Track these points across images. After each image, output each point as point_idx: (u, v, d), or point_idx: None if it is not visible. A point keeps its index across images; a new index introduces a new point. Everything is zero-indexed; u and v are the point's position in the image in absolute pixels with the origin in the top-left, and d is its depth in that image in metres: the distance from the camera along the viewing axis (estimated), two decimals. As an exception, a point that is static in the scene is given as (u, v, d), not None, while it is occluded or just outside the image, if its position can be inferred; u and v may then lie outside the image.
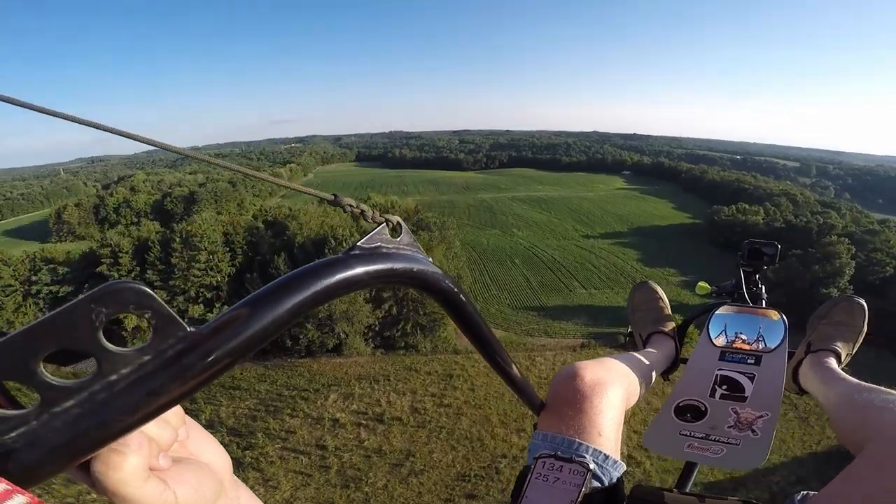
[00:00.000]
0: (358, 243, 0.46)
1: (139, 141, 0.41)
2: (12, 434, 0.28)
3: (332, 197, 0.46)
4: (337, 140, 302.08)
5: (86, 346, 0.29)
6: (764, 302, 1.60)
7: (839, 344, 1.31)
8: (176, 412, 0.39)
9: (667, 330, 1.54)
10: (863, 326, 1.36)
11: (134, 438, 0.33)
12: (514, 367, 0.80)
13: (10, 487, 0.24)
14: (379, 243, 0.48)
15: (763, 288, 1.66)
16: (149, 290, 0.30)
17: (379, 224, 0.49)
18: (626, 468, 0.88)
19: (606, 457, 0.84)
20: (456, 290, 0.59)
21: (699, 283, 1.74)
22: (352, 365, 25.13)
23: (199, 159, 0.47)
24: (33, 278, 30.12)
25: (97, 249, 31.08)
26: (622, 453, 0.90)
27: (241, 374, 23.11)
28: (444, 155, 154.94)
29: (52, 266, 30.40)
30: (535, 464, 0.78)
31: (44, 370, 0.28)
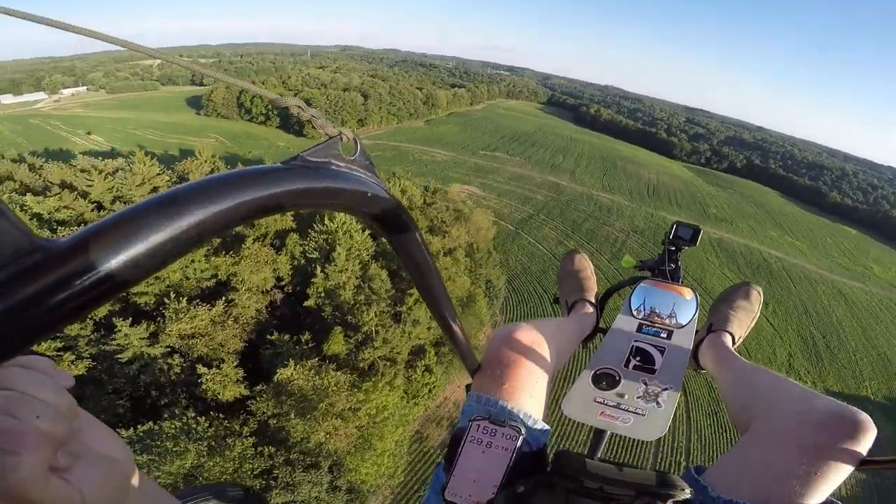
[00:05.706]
0: (301, 153, 0.38)
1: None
2: None
3: (277, 96, 0.38)
4: (546, 79, 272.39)
5: None
6: (681, 280, 1.64)
7: (735, 325, 1.42)
8: (69, 403, 0.35)
9: (591, 299, 1.60)
10: (757, 311, 1.47)
11: (28, 436, 0.30)
12: (458, 323, 0.79)
13: None
14: (329, 159, 0.40)
15: (681, 267, 1.70)
16: None
17: (331, 137, 0.41)
18: (551, 431, 0.91)
19: (536, 420, 0.87)
20: (413, 227, 0.52)
21: (625, 257, 1.83)
22: None
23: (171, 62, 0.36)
24: None
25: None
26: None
27: None
28: (652, 130, 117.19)
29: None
30: (470, 427, 0.80)
31: None
